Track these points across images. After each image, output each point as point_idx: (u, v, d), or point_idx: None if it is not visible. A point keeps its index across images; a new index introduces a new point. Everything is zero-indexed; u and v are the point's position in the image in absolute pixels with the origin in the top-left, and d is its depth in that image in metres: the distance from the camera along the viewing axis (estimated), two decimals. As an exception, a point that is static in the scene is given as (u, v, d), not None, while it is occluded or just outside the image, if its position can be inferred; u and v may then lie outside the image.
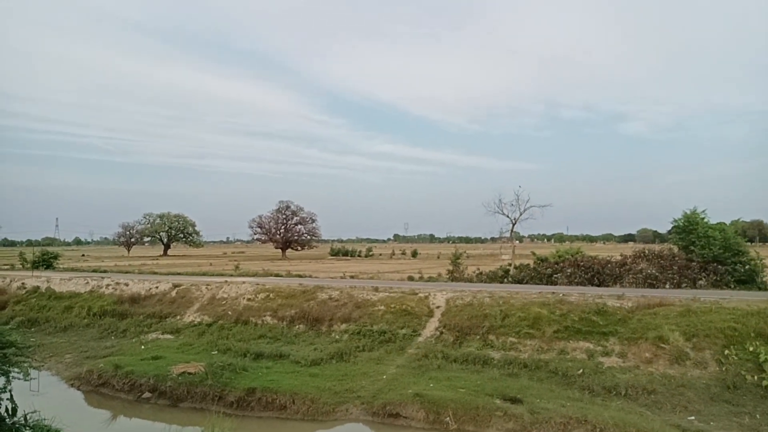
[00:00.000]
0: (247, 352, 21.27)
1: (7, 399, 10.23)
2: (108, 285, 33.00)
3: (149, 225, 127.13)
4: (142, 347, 23.32)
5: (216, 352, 21.81)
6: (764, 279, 29.82)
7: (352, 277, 41.91)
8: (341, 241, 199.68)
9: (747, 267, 29.95)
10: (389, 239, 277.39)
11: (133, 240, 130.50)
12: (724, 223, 34.19)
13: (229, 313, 26.82)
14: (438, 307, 24.49)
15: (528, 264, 38.76)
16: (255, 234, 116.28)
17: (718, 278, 29.83)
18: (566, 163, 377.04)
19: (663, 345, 18.66)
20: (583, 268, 33.59)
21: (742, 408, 15.26)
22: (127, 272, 45.94)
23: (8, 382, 10.05)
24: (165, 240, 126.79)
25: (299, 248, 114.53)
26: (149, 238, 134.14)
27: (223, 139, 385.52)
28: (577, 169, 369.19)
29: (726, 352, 17.71)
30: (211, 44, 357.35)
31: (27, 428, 10.35)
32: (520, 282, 34.30)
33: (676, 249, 33.45)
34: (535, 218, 43.45)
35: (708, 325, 19.09)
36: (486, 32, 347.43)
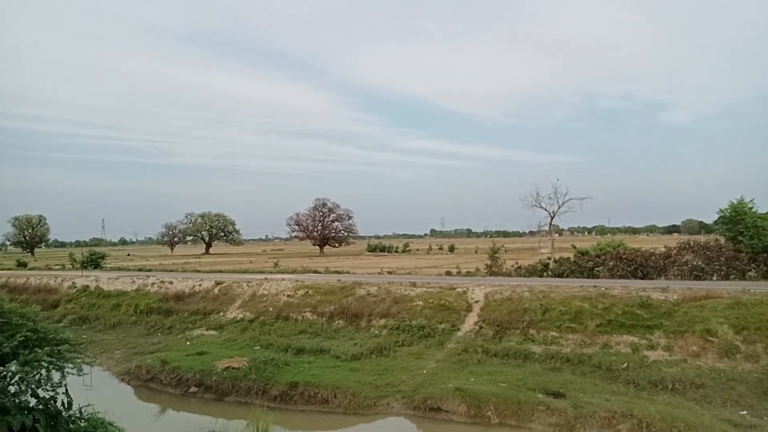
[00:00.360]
0: (289, 348, 21.61)
1: (63, 393, 10.68)
2: (153, 283, 33.97)
3: (191, 224, 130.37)
4: (188, 343, 23.96)
5: (258, 347, 22.23)
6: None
7: (389, 272, 42.04)
8: (378, 237, 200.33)
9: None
10: (426, 234, 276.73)
11: (175, 239, 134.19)
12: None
13: (270, 309, 27.28)
14: (477, 301, 24.35)
15: (568, 257, 38.20)
16: (293, 231, 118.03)
17: (770, 269, 28.73)
18: (605, 154, 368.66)
19: (711, 338, 18.12)
20: (625, 260, 32.85)
21: (797, 403, 14.71)
22: (171, 271, 47.19)
23: (63, 377, 10.49)
24: (206, 239, 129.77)
25: (336, 245, 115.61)
26: (191, 237, 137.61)
27: (259, 139, 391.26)
28: (617, 160, 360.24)
29: (779, 345, 17.09)
30: (246, 48, 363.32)
31: (82, 421, 10.80)
32: (560, 276, 33.77)
33: (723, 240, 32.39)
34: (575, 211, 42.74)
35: (759, 317, 18.43)
36: (520, 25, 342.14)
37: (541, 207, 43.46)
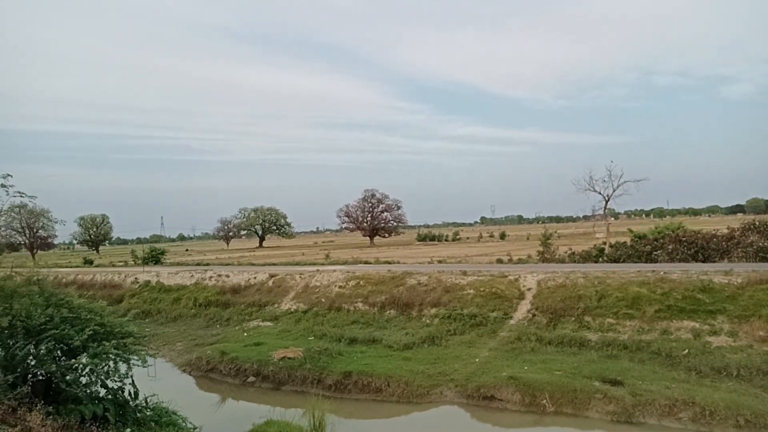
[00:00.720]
0: (342, 338, 21.93)
1: (130, 384, 11.26)
2: (211, 277, 35.08)
3: (245, 219, 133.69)
4: (245, 334, 24.68)
5: (312, 337, 22.66)
6: None
7: (439, 261, 41.96)
8: (428, 227, 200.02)
9: None
10: (476, 222, 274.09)
11: (231, 234, 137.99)
12: None
13: (323, 300, 27.73)
14: (529, 289, 24.01)
15: (624, 242, 37.04)
16: (343, 223, 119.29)
17: None
18: (663, 133, 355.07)
19: (780, 323, 17.25)
20: (685, 243, 31.61)
21: None
22: (227, 264, 48.62)
23: (129, 368, 11.05)
24: (260, 232, 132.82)
25: (386, 235, 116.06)
26: (245, 232, 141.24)
27: (308, 132, 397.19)
28: (676, 138, 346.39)
29: None
30: (292, 43, 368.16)
31: (148, 410, 11.35)
32: (616, 261, 32.82)
33: (791, 219, 30.70)
34: (630, 194, 41.32)
35: (832, 300, 17.42)
36: (570, 4, 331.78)
37: (595, 191, 42.38)
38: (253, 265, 46.50)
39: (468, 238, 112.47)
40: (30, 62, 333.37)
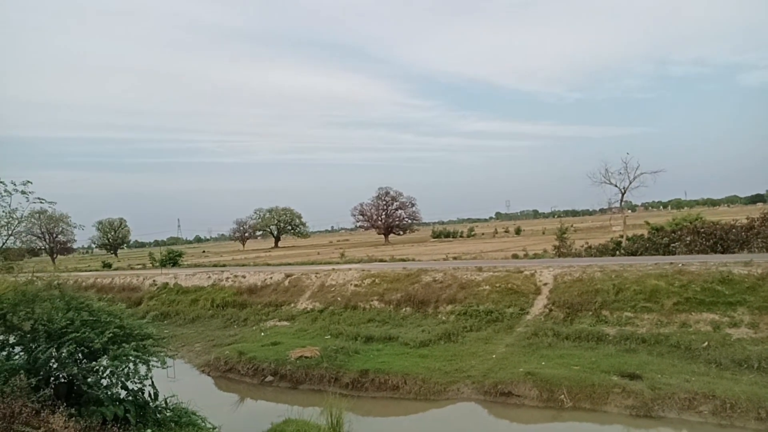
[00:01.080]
0: (358, 336, 22.01)
1: (150, 385, 11.41)
2: (227, 278, 35.35)
3: (260, 220, 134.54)
4: (262, 334, 24.87)
5: (329, 336, 22.77)
6: None
7: (454, 258, 41.88)
8: (442, 223, 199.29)
9: None
10: (491, 218, 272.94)
11: (246, 235, 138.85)
12: None
13: (338, 299, 27.84)
14: (545, 284, 23.88)
15: (642, 234, 36.75)
16: (357, 221, 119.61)
17: None
18: (680, 123, 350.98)
19: (802, 313, 16.98)
20: (703, 234, 31.24)
21: None
22: (243, 265, 48.96)
23: (149, 370, 11.20)
24: (275, 233, 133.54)
25: (401, 232, 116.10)
26: (261, 232, 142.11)
27: (322, 132, 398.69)
28: (693, 128, 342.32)
29: None
30: (304, 43, 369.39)
31: (168, 411, 11.50)
32: (633, 254, 32.51)
33: (813, 207, 30.15)
34: (647, 185, 40.79)
35: None
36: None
37: (611, 183, 41.94)
38: (268, 265, 46.78)
39: (483, 234, 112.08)
40: (50, 70, 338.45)
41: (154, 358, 11.31)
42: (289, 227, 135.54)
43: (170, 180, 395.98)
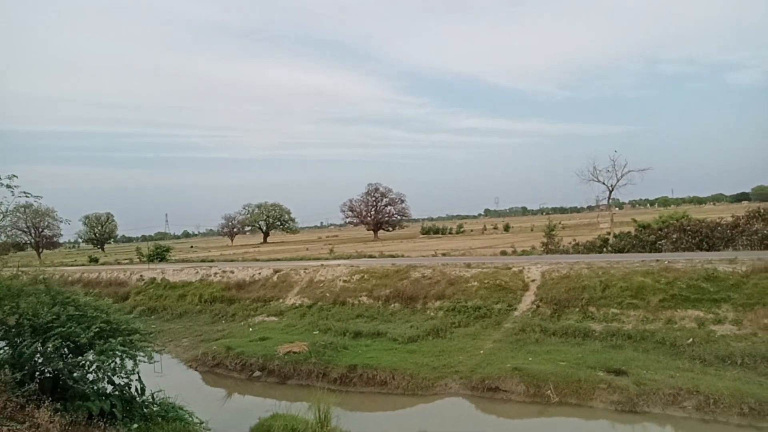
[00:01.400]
0: (346, 331, 22.02)
1: (136, 380, 11.37)
2: (216, 273, 35.23)
3: (249, 215, 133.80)
4: (250, 329, 24.80)
5: (317, 332, 22.76)
6: None
7: (443, 254, 41.98)
8: (432, 220, 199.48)
9: None
10: (480, 215, 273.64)
11: (235, 230, 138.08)
12: None
13: (327, 294, 27.82)
14: (533, 280, 24.03)
15: (629, 232, 37.00)
16: (347, 217, 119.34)
17: None
18: (668, 122, 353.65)
19: (784, 310, 17.22)
20: (689, 232, 31.54)
21: None
22: (232, 260, 48.73)
23: (136, 364, 11.14)
24: (264, 228, 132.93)
25: (390, 229, 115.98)
26: (249, 228, 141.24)
27: (313, 128, 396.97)
28: (681, 127, 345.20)
29: None
30: (297, 39, 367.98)
31: (155, 405, 11.46)
32: (620, 251, 32.75)
33: (796, 206, 30.54)
34: (635, 183, 41.04)
35: (837, 287, 17.37)
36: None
37: (599, 181, 42.17)
38: (257, 260, 46.63)
39: (472, 230, 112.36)
40: (36, 63, 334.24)
41: (141, 353, 11.26)
42: (278, 223, 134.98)
43: (158, 175, 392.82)
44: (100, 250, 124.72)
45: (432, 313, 23.69)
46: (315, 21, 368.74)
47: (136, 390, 11.34)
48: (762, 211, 31.58)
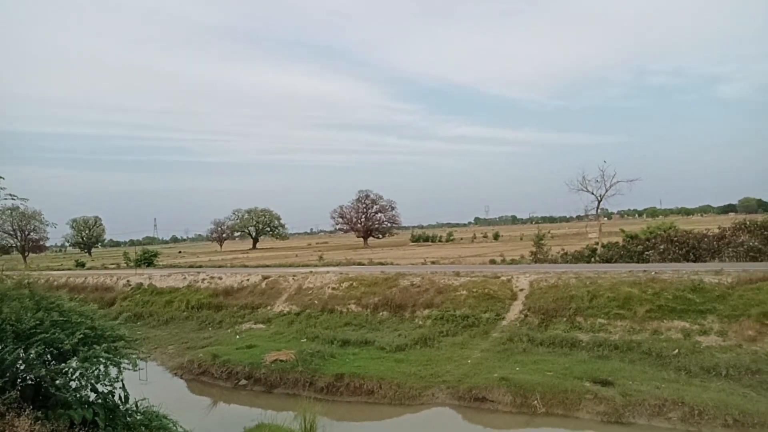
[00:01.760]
0: (334, 340, 21.93)
1: (120, 388, 11.19)
2: (203, 279, 34.97)
3: (238, 220, 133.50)
4: (237, 337, 24.63)
5: (305, 339, 22.65)
6: None
7: (433, 262, 42.03)
8: (422, 227, 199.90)
9: None
10: (470, 223, 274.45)
11: (224, 235, 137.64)
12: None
13: (315, 302, 27.72)
14: (521, 290, 24.10)
15: (617, 242, 37.27)
16: (337, 224, 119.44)
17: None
18: (657, 133, 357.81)
19: (769, 322, 17.39)
20: (676, 243, 31.83)
21: None
22: (220, 266, 48.48)
23: (120, 372, 10.99)
24: (253, 234, 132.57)
25: (380, 236, 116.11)
26: (239, 233, 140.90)
27: (304, 133, 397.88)
28: (670, 138, 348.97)
29: (843, 328, 16.26)
30: (289, 44, 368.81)
31: (138, 414, 11.30)
32: (608, 261, 32.99)
33: (781, 218, 30.93)
34: (623, 194, 41.77)
35: (820, 299, 17.57)
36: (566, 1, 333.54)
37: (588, 191, 42.68)
38: (246, 266, 46.42)
39: (462, 238, 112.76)
40: (23, 63, 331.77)
41: (126, 360, 11.10)
42: (268, 229, 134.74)
43: (148, 178, 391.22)
44: (87, 254, 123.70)
45: (420, 322, 23.67)
46: (309, 25, 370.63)
47: (120, 398, 11.18)
48: (748, 223, 31.93)
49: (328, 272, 32.11)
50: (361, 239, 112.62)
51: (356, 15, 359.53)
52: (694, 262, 29.49)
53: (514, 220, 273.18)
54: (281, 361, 19.48)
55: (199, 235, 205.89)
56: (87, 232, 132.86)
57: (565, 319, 21.11)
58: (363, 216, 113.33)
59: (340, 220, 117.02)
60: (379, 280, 28.31)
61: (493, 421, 15.06)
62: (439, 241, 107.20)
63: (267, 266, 45.00)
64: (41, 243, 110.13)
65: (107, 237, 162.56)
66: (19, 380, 10.30)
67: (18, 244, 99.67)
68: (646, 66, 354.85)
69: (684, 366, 16.26)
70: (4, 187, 13.14)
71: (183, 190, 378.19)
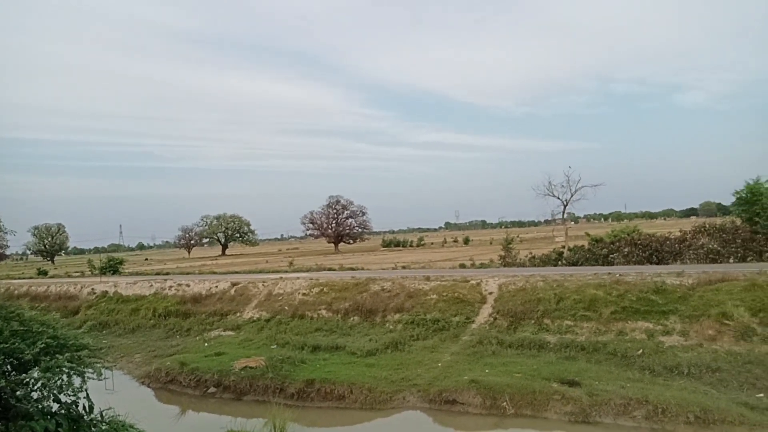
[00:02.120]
0: (305, 345, 21.80)
1: (84, 398, 10.92)
2: (171, 287, 34.37)
3: (207, 227, 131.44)
4: (206, 344, 24.28)
5: (275, 346, 22.46)
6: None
7: (403, 267, 42.15)
8: (393, 233, 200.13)
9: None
10: (441, 228, 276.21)
11: (192, 242, 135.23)
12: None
13: (286, 308, 27.51)
14: (491, 293, 24.37)
15: (582, 245, 37.98)
16: (307, 230, 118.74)
17: (787, 250, 28.36)
18: (621, 139, 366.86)
19: (727, 321, 17.97)
20: (640, 246, 32.63)
21: (815, 384, 14.58)
22: (188, 273, 47.72)
23: (84, 381, 10.72)
24: (222, 240, 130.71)
25: (351, 241, 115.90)
26: (207, 240, 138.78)
27: (274, 139, 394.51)
28: (634, 144, 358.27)
29: (796, 326, 16.92)
30: (260, 49, 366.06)
31: (103, 424, 11.03)
32: (574, 264, 33.62)
33: (739, 221, 31.98)
34: (588, 198, 42.62)
35: (776, 299, 18.24)
36: (534, 12, 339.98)
37: (554, 195, 43.38)
38: (214, 273, 45.79)
39: (432, 243, 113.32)
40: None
41: (90, 370, 10.83)
42: (237, 235, 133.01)
43: (114, 184, 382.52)
44: (50, 262, 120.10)
45: (391, 326, 23.72)
46: (280, 31, 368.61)
47: (84, 408, 10.90)
48: (707, 226, 32.94)
49: (298, 278, 31.93)
50: (332, 245, 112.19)
51: (328, 22, 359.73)
52: (657, 264, 30.29)
53: (484, 224, 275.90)
54: (251, 367, 19.29)
55: (167, 242, 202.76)
56: (50, 239, 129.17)
57: (533, 321, 21.42)
58: (334, 221, 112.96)
59: (311, 225, 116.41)
60: (349, 285, 28.27)
61: (463, 423, 15.19)
62: (410, 246, 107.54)
63: (236, 272, 44.49)
64: (1, 251, 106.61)
65: (71, 245, 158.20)
66: (-23, 392, 9.99)
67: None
68: (611, 75, 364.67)
69: (648, 365, 16.68)
70: (-39, 193, 12.76)
71: (150, 196, 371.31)
